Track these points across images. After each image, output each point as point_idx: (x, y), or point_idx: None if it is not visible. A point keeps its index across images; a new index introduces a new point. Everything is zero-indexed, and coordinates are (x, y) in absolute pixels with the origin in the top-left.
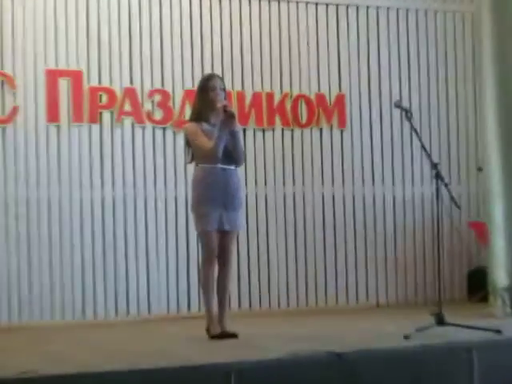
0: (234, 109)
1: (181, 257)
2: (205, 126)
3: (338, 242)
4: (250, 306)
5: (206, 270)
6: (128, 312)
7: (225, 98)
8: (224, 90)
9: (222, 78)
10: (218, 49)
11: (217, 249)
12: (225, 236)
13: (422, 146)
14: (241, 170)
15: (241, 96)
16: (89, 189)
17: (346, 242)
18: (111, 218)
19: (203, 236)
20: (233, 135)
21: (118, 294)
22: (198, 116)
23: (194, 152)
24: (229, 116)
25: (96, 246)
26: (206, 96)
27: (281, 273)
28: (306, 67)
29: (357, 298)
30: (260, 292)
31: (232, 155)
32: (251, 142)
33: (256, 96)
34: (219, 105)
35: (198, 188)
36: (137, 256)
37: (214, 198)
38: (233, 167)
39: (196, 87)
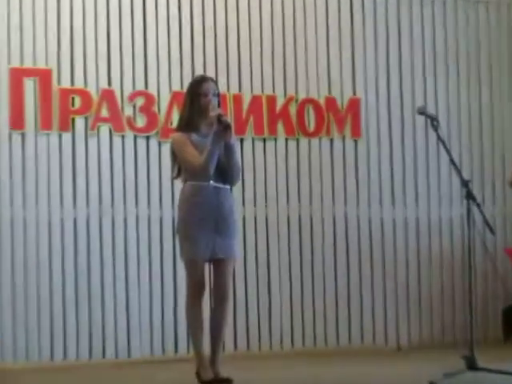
0: (230, 117)
1: (167, 288)
2: (194, 136)
3: (351, 273)
4: (248, 346)
5: (191, 308)
6: (104, 353)
7: (219, 105)
8: (218, 95)
9: (215, 82)
10: (211, 45)
11: (205, 282)
12: (219, 266)
13: (451, 160)
14: (237, 187)
15: (238, 100)
16: (58, 207)
17: (360, 273)
18: (85, 242)
19: (189, 266)
20: (228, 148)
21: (93, 331)
22: (187, 125)
23: (182, 167)
24: (224, 127)
25: (67, 275)
26: (196, 102)
27: (284, 308)
28: (314, 66)
29: (373, 338)
30: (259, 330)
31: (226, 172)
32: (249, 153)
33: (255, 100)
34: (212, 114)
35: (185, 207)
36: (115, 286)
37: (204, 221)
38: (226, 186)
39: (185, 91)
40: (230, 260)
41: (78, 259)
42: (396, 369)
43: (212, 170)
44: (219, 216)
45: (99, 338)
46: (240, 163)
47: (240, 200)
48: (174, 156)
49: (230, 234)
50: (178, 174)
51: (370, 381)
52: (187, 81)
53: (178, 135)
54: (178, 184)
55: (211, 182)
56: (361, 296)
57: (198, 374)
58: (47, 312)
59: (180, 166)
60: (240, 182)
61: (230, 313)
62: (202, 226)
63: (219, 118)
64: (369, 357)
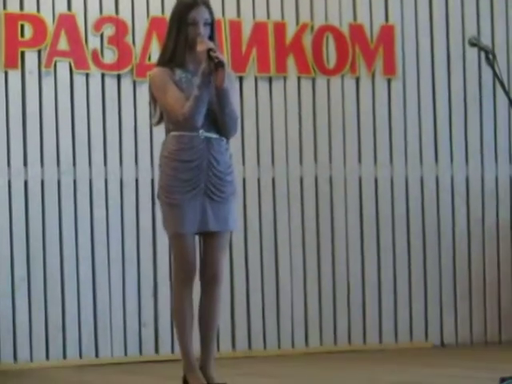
0: (226, 51)
1: (144, 270)
2: (179, 74)
3: (382, 252)
4: (250, 345)
5: (179, 294)
6: (64, 353)
7: (212, 38)
8: (211, 24)
9: (209, 6)
10: None
11: (196, 263)
12: (211, 240)
13: (511, 102)
14: (235, 141)
15: (236, 27)
16: (4, 166)
17: (394, 252)
18: (39, 211)
19: (174, 242)
20: (221, 94)
21: (50, 325)
22: (170, 60)
23: (164, 114)
24: (216, 66)
25: (15, 253)
26: (182, 31)
27: (296, 296)
28: None
29: (411, 336)
30: (264, 324)
31: (219, 122)
32: (251, 97)
33: (259, 28)
34: (200, 48)
35: (169, 166)
36: (78, 268)
37: (192, 182)
38: (221, 138)
39: (169, 16)
40: (225, 233)
41: (29, 233)
42: (446, 369)
43: (199, 121)
44: (212, 175)
45: (58, 335)
46: (237, 111)
47: (239, 157)
48: (154, 98)
49: (225, 197)
50: (160, 119)
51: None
52: (169, 3)
53: (158, 71)
54: (159, 135)
55: (201, 131)
56: (394, 281)
57: (185, 380)
58: None
59: (162, 111)
60: (239, 135)
61: (226, 302)
62: (190, 189)
63: (210, 54)
64: (408, 356)
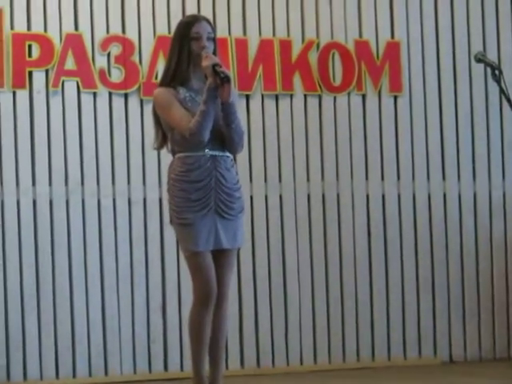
0: (232, 69)
1: (152, 288)
2: (183, 93)
3: (390, 268)
4: (258, 363)
5: (198, 315)
6: (74, 371)
7: (215, 53)
8: (214, 39)
9: (210, 22)
10: None
11: (215, 282)
12: (221, 258)
13: None
14: (242, 159)
15: (242, 45)
16: (13, 186)
17: (402, 268)
18: (47, 229)
19: (192, 261)
20: (226, 109)
21: (59, 342)
22: (174, 78)
23: (168, 134)
24: (221, 80)
25: (25, 270)
26: (185, 48)
27: (304, 313)
28: (341, 1)
29: (419, 352)
30: (273, 342)
31: (225, 138)
32: (258, 115)
33: (265, 45)
34: (206, 63)
35: (177, 188)
36: (87, 286)
37: (201, 202)
38: (226, 154)
39: (172, 35)
40: (235, 250)
41: (38, 251)
42: None
43: (206, 136)
44: (221, 193)
45: (68, 352)
46: (243, 127)
47: (246, 174)
48: (157, 118)
49: (234, 216)
50: (163, 143)
51: None
52: (176, 22)
53: (161, 91)
54: (167, 154)
55: (207, 150)
56: (403, 298)
57: None
58: (0, 319)
59: (165, 132)
60: (246, 153)
61: (235, 319)
62: (200, 209)
63: (214, 69)
64: (417, 373)
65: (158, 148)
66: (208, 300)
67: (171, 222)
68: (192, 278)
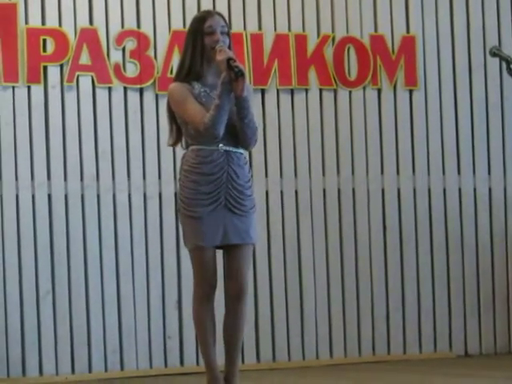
0: (247, 64)
1: (168, 282)
2: (198, 88)
3: (405, 262)
4: (274, 357)
5: (199, 309)
6: (90, 366)
7: (229, 47)
8: (228, 33)
9: (223, 17)
10: None
11: (215, 277)
12: (232, 253)
13: None
14: (258, 154)
15: (257, 40)
16: (28, 181)
17: (418, 261)
18: (63, 224)
19: (194, 255)
20: (240, 103)
21: (75, 338)
22: (188, 73)
23: (183, 128)
24: (235, 74)
25: (40, 266)
26: (198, 43)
27: (320, 307)
28: None
29: (435, 346)
30: (288, 336)
31: (239, 133)
32: (273, 110)
33: (280, 40)
34: (220, 57)
35: (189, 180)
36: (102, 281)
37: (212, 195)
38: (240, 150)
39: (186, 30)
40: (248, 246)
41: (54, 246)
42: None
43: (221, 130)
44: (232, 189)
45: (83, 347)
46: (256, 122)
47: (262, 170)
48: (171, 114)
49: (245, 212)
50: (178, 140)
51: None
52: (191, 16)
53: (176, 86)
54: (182, 148)
55: (221, 145)
56: (418, 292)
57: None
58: (16, 315)
59: (179, 127)
60: (261, 148)
61: (251, 314)
62: (211, 203)
63: (229, 63)
64: (432, 367)
65: (173, 144)
66: (206, 295)
67: (178, 211)
68: (193, 272)
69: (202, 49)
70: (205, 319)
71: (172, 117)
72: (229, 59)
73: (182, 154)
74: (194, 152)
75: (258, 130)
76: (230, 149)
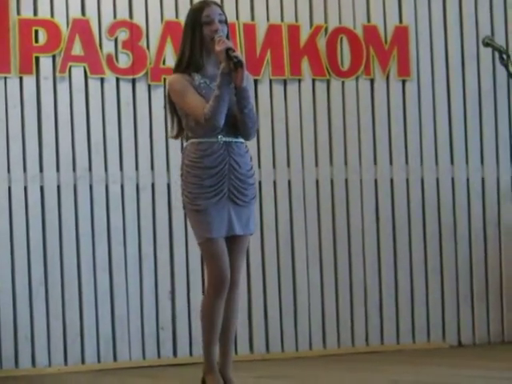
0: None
1: (161, 274)
2: (198, 79)
3: (399, 252)
4: (267, 348)
5: (212, 301)
6: (82, 357)
7: (227, 37)
8: (226, 22)
9: (220, 5)
10: None
11: (229, 269)
12: (233, 245)
13: None
14: (250, 145)
15: (249, 31)
16: (21, 172)
17: (410, 253)
18: (55, 215)
19: (206, 247)
20: (240, 93)
21: (69, 333)
22: (188, 65)
23: (183, 120)
24: (234, 65)
25: (32, 257)
26: (197, 34)
27: (313, 299)
28: None
29: (428, 336)
30: (281, 327)
31: (239, 123)
32: (266, 100)
33: (273, 30)
34: (219, 48)
35: (191, 174)
36: (95, 271)
37: (215, 188)
38: (240, 140)
39: (184, 21)
40: (247, 237)
41: (46, 237)
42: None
43: (221, 121)
44: (234, 179)
45: (76, 338)
46: (255, 113)
47: (255, 160)
48: (172, 106)
49: (247, 202)
50: (179, 132)
51: None
52: (184, 6)
53: (176, 77)
54: (175, 140)
55: (220, 136)
56: (411, 282)
57: (203, 381)
58: (9, 306)
59: (180, 119)
60: (254, 138)
61: (244, 305)
62: (214, 195)
63: (228, 53)
64: (426, 357)
65: (176, 136)
66: (222, 286)
67: (184, 208)
68: (206, 265)
69: (201, 39)
70: (216, 313)
71: (173, 109)
72: (228, 49)
73: (175, 147)
74: (194, 146)
75: (257, 120)
76: (230, 139)
